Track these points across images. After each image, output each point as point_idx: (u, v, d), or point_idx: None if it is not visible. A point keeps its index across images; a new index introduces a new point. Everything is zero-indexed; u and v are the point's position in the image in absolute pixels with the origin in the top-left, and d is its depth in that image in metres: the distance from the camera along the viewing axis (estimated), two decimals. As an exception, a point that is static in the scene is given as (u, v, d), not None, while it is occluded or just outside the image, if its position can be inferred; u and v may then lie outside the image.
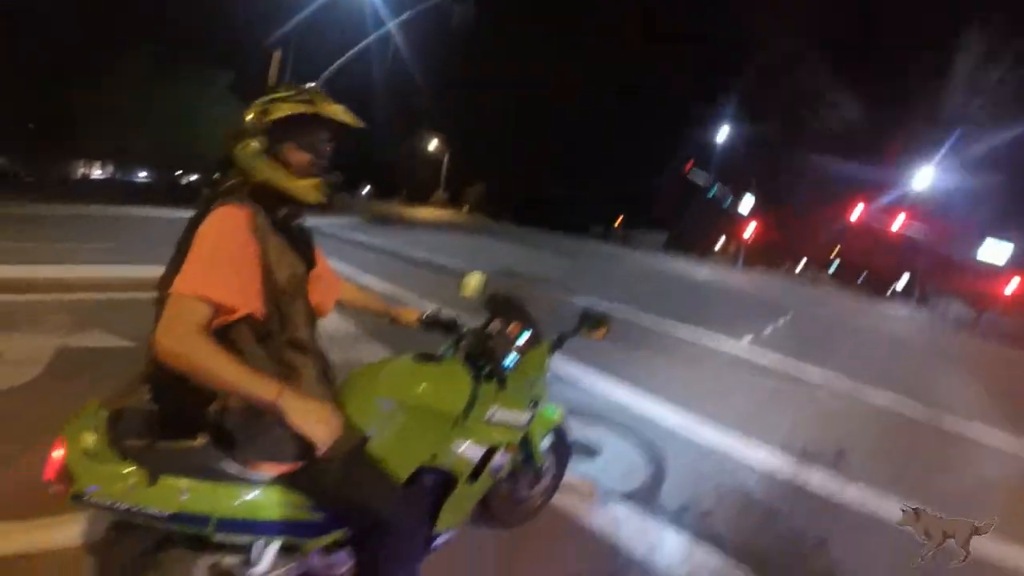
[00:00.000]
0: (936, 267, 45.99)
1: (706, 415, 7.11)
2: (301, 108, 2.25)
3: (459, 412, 2.97)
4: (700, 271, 37.42)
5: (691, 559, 4.15)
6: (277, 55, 14.01)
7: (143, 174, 46.02)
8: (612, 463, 5.41)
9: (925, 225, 41.88)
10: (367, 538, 2.52)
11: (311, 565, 2.68)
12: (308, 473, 2.35)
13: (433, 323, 3.34)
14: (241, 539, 2.44)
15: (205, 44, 34.23)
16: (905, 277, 59.82)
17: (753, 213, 55.85)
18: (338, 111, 2.30)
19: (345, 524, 2.61)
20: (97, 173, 45.77)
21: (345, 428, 2.35)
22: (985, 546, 4.86)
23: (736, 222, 56.36)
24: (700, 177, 51.80)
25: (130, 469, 2.19)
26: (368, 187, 64.55)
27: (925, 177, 39.76)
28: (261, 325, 2.24)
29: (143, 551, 2.40)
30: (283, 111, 2.24)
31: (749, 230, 55.44)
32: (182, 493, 2.25)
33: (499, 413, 3.17)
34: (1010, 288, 34.62)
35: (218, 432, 2.34)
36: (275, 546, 2.52)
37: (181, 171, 42.73)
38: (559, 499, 4.41)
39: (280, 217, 2.34)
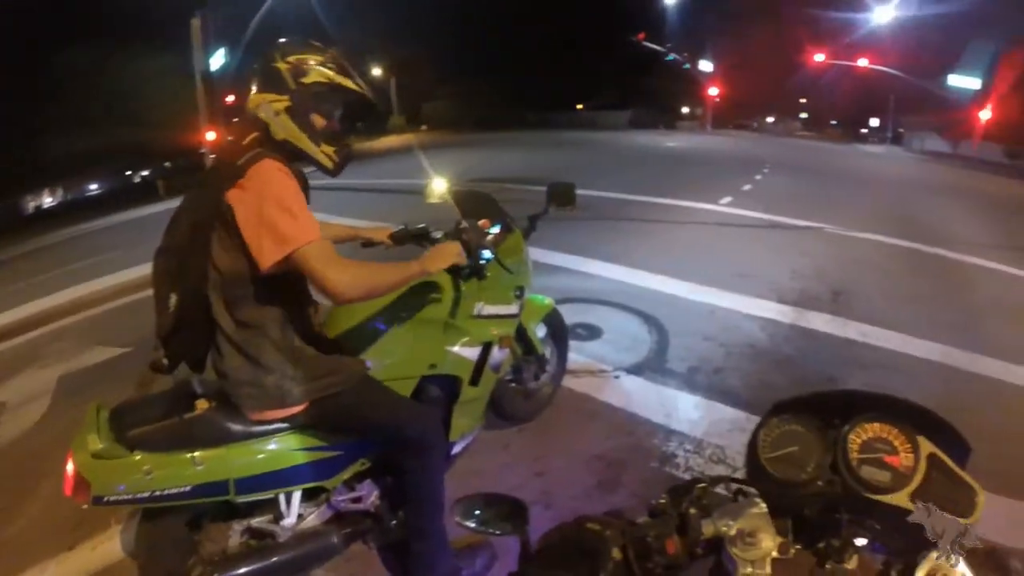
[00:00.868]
0: (908, 102, 45.53)
1: (700, 278, 7.20)
2: (334, 77, 2.25)
3: (447, 314, 2.99)
4: (669, 141, 37.05)
5: (708, 416, 4.27)
6: (195, 22, 13.41)
7: (94, 186, 44.76)
8: (617, 340, 5.50)
9: (892, 60, 41.28)
10: (394, 459, 2.58)
11: (337, 503, 2.72)
12: (320, 409, 2.38)
13: (404, 237, 3.29)
14: (264, 495, 2.46)
15: (124, 29, 32.67)
16: (876, 117, 59.36)
17: (715, 74, 54.96)
18: (363, 86, 2.32)
19: (363, 454, 2.66)
20: (48, 201, 44.43)
21: (348, 358, 2.44)
22: (991, 366, 5.04)
23: (699, 84, 55.49)
24: (655, 46, 50.63)
25: (140, 457, 2.21)
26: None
27: (886, 11, 38.93)
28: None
29: (179, 535, 2.45)
30: (316, 76, 2.22)
31: (714, 91, 54.73)
32: (196, 464, 2.26)
33: (486, 307, 3.18)
34: (984, 115, 34.16)
35: (224, 387, 2.36)
36: (298, 494, 2.56)
37: (130, 171, 41.65)
38: (573, 383, 4.52)
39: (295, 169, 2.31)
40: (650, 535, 1.10)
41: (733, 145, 34.79)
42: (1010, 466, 3.35)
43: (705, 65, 53.97)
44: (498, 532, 1.25)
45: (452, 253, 2.52)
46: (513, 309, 3.37)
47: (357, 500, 2.75)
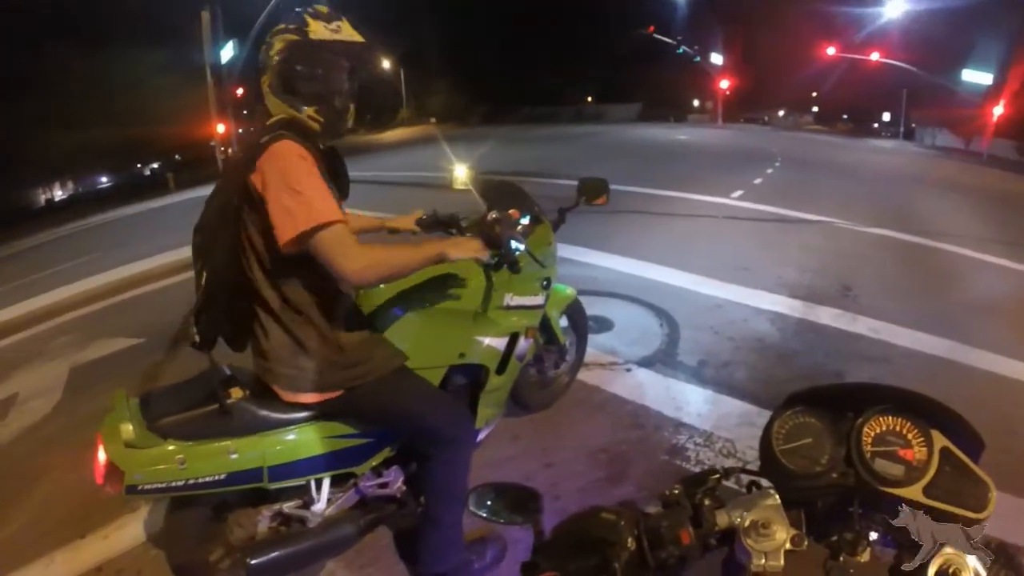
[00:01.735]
0: (920, 96, 45.12)
1: (709, 272, 7.20)
2: (291, 37, 2.18)
3: (477, 306, 3.01)
4: (679, 134, 36.90)
5: (717, 409, 4.29)
6: (205, 15, 13.41)
7: (104, 179, 44.81)
8: (627, 333, 5.53)
9: (904, 55, 40.92)
10: (421, 447, 2.61)
11: (365, 488, 2.74)
12: (354, 397, 2.39)
13: (432, 223, 3.28)
14: (295, 481, 2.48)
15: (134, 26, 32.63)
16: (888, 111, 58.91)
17: (725, 67, 54.61)
18: (323, 31, 2.19)
19: (391, 441, 2.70)
20: (59, 194, 44.56)
21: (384, 345, 2.45)
22: (999, 363, 5.02)
23: (709, 77, 55.14)
24: (664, 38, 50.29)
25: (173, 446, 2.22)
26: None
27: (898, 5, 38.59)
28: None
29: (206, 522, 2.48)
30: (279, 44, 2.18)
31: (724, 83, 54.40)
32: (230, 453, 2.29)
33: (515, 299, 3.19)
34: (997, 111, 33.66)
35: (261, 368, 2.38)
36: (328, 480, 2.59)
37: (140, 163, 41.68)
38: (583, 375, 4.53)
39: (324, 147, 2.32)
40: (664, 525, 1.10)
41: (744, 139, 34.61)
42: (1018, 463, 3.35)
43: (716, 58, 53.59)
44: (511, 521, 1.26)
45: (474, 247, 2.49)
46: (540, 300, 3.40)
47: (384, 486, 2.78)
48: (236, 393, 2.34)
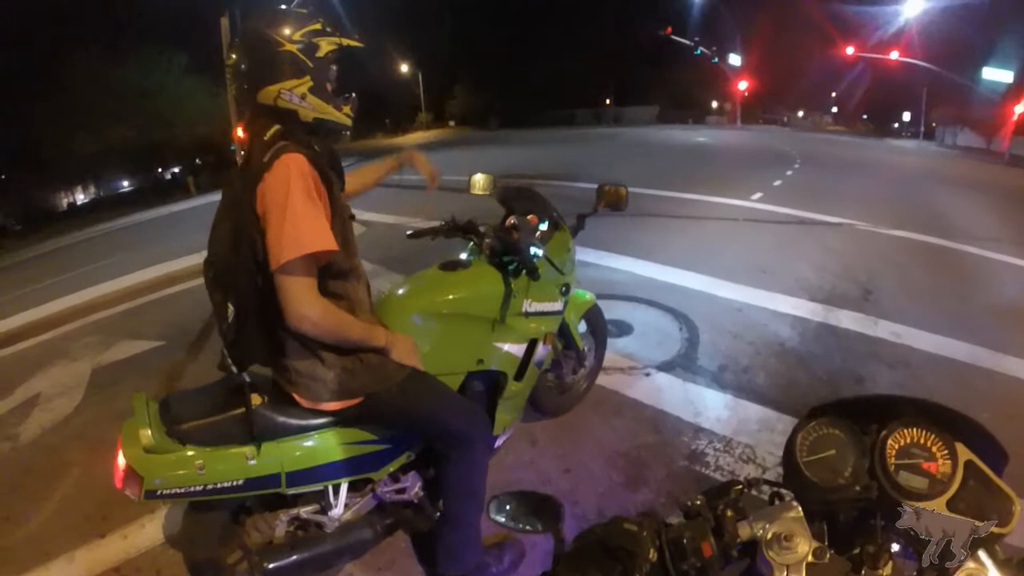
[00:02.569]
0: (940, 96, 44.67)
1: (729, 275, 7.17)
2: (338, 40, 2.21)
3: (496, 312, 2.98)
4: (698, 136, 36.84)
5: (736, 415, 4.26)
6: (224, 21, 13.43)
7: (125, 183, 45.17)
8: (646, 336, 5.50)
9: (923, 54, 40.55)
10: (439, 452, 2.61)
11: (382, 494, 2.75)
12: (373, 403, 2.39)
13: (451, 229, 3.30)
14: (313, 487, 2.49)
15: (153, 28, 32.90)
16: (908, 110, 58.48)
17: (743, 68, 54.39)
18: (353, 38, 2.26)
19: (409, 447, 2.70)
20: (81, 197, 45.05)
21: (380, 370, 2.41)
22: (1020, 367, 4.96)
23: (727, 78, 54.94)
24: (683, 39, 50.16)
25: (192, 452, 2.23)
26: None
27: (916, 3, 38.25)
28: (337, 261, 2.25)
29: (224, 525, 2.49)
30: (327, 47, 2.18)
31: (743, 85, 54.19)
32: (248, 459, 2.30)
33: (534, 305, 3.17)
34: (1019, 109, 33.16)
35: (279, 379, 2.39)
36: (345, 485, 2.59)
37: (160, 168, 42.06)
38: (602, 379, 4.52)
39: (323, 150, 2.29)
40: (686, 536, 1.10)
41: (763, 140, 34.46)
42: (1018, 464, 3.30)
43: (734, 59, 53.39)
44: (532, 529, 1.26)
45: (409, 352, 2.46)
46: (558, 306, 3.37)
47: (401, 491, 2.79)
48: (255, 399, 2.34)
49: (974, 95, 37.87)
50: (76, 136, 31.11)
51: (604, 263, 7.64)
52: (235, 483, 2.29)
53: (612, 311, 5.77)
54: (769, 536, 1.08)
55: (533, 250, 2.88)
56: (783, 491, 1.23)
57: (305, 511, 2.58)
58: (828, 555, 1.07)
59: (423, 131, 56.46)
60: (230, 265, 2.13)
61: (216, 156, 35.48)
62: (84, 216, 28.12)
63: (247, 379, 2.38)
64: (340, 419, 2.44)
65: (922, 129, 50.57)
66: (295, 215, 2.00)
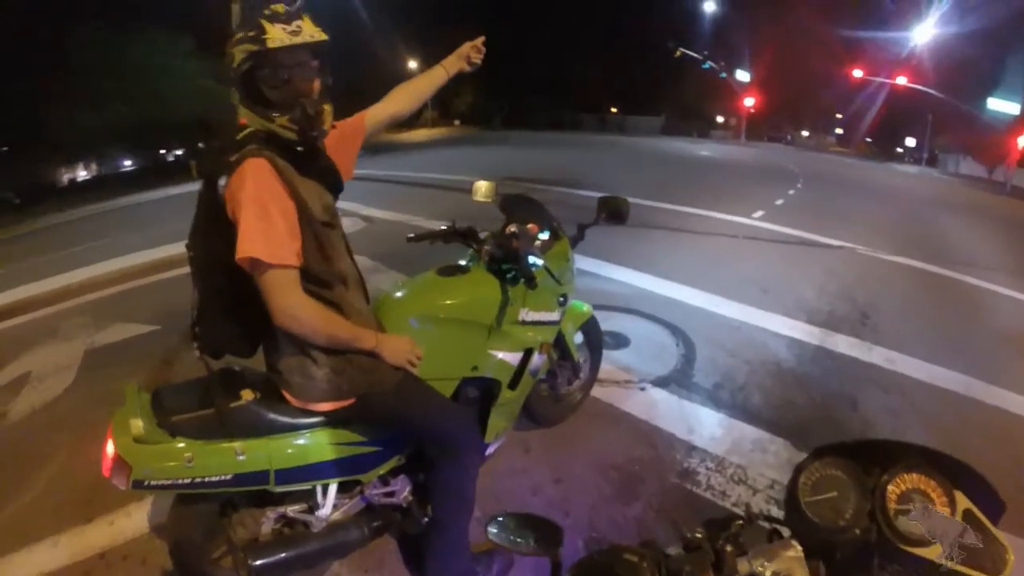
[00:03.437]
0: (944, 122, 44.89)
1: (728, 292, 7.17)
2: (250, 47, 2.01)
3: (493, 319, 2.98)
4: (703, 150, 36.94)
5: (730, 434, 4.25)
6: (235, 6, 13.36)
7: (128, 162, 44.94)
8: (643, 350, 5.49)
9: (930, 80, 40.75)
10: (429, 456, 2.60)
11: (371, 496, 2.75)
12: (364, 405, 2.39)
13: (451, 234, 3.30)
14: (301, 486, 2.50)
15: (159, 9, 32.79)
16: (912, 136, 58.74)
17: (751, 85, 54.56)
18: (282, 35, 2.00)
19: (400, 450, 2.70)
20: (82, 174, 44.83)
21: (373, 370, 2.40)
22: (1015, 401, 4.98)
23: (734, 93, 55.09)
24: (692, 53, 50.25)
25: (182, 444, 2.23)
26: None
27: (926, 30, 38.43)
28: (312, 269, 2.21)
29: (210, 519, 2.50)
30: (239, 55, 2.04)
31: (749, 101, 54.33)
32: (238, 454, 2.30)
33: (530, 314, 3.16)
34: (1022, 141, 33.35)
35: (272, 376, 2.38)
36: (334, 486, 2.59)
37: (164, 149, 41.97)
38: (598, 391, 4.51)
39: (299, 153, 2.21)
40: (685, 570, 1.10)
41: (767, 157, 34.56)
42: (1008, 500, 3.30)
43: (742, 75, 53.59)
44: (531, 552, 1.25)
45: (405, 352, 2.42)
46: (555, 316, 3.37)
47: (390, 494, 2.78)
48: (247, 395, 2.35)
49: (979, 124, 38.04)
50: (80, 113, 31.04)
51: (603, 273, 7.64)
52: (223, 478, 2.29)
53: (610, 322, 5.76)
54: (768, 574, 1.08)
55: (532, 259, 2.88)
56: (782, 528, 1.23)
57: (292, 510, 2.57)
58: None
59: (428, 128, 56.46)
60: (199, 251, 2.18)
61: (220, 141, 35.30)
62: (84, 193, 28.03)
63: (239, 373, 2.42)
64: (331, 420, 2.43)
65: (925, 155, 50.76)
66: (247, 222, 2.01)
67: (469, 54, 2.85)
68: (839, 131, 74.87)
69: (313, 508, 2.59)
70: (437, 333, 2.78)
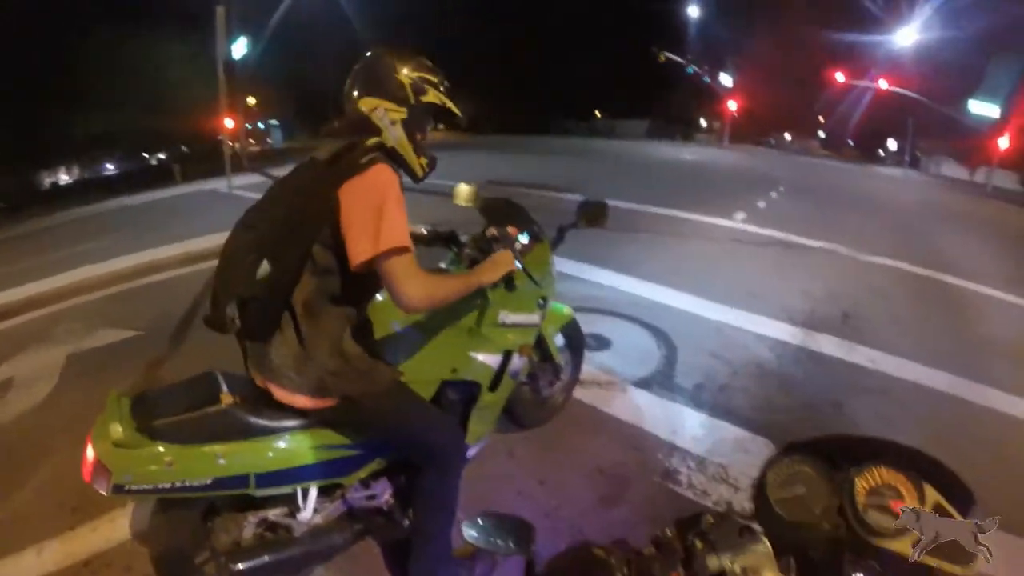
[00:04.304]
0: (926, 125, 45.28)
1: (710, 294, 7.21)
2: (446, 101, 2.45)
3: (472, 321, 3.01)
4: (686, 153, 36.91)
5: (712, 434, 4.28)
6: (220, 10, 13.40)
7: (110, 167, 44.65)
8: (625, 352, 5.52)
9: (912, 83, 41.06)
10: (413, 463, 2.63)
11: (352, 500, 2.76)
12: (350, 407, 2.39)
13: (432, 238, 3.33)
14: (282, 490, 2.50)
15: (151, 13, 32.79)
16: (894, 139, 59.26)
17: (735, 88, 54.72)
18: (458, 107, 2.49)
19: (381, 454, 2.70)
20: (64, 178, 44.37)
21: (384, 362, 2.45)
22: (995, 398, 5.06)
23: (718, 98, 55.24)
24: (676, 57, 50.40)
25: (162, 448, 2.23)
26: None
27: (909, 34, 38.74)
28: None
29: (192, 525, 2.49)
30: (434, 98, 2.41)
31: (732, 105, 54.50)
32: (218, 458, 2.30)
33: (511, 316, 3.18)
34: (1003, 143, 33.82)
35: (264, 368, 2.38)
36: (315, 489, 2.60)
37: (147, 153, 41.77)
38: (580, 393, 4.54)
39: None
40: (655, 567, 1.11)
41: (749, 161, 34.62)
42: (1012, 503, 3.35)
43: (725, 79, 53.71)
44: (506, 551, 1.26)
45: (506, 263, 2.67)
46: (535, 319, 3.39)
47: (371, 498, 2.79)
48: (227, 399, 2.38)
49: (960, 127, 38.41)
50: (61, 116, 30.90)
51: (585, 276, 7.66)
52: (204, 482, 2.28)
53: (592, 325, 5.78)
54: (738, 570, 1.09)
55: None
56: (752, 524, 1.25)
57: (274, 514, 2.58)
58: None
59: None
60: (281, 238, 2.20)
61: (203, 145, 35.10)
62: (69, 197, 27.76)
63: (219, 377, 2.43)
64: (313, 421, 2.44)
65: (907, 158, 51.14)
66: (392, 215, 2.15)
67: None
68: (822, 135, 75.30)
69: (294, 512, 2.59)
70: (419, 336, 2.82)
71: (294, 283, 2.24)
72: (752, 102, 56.86)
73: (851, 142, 71.29)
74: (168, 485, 2.23)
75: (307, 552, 2.59)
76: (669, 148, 41.24)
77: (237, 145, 24.06)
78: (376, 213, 2.13)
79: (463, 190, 3.56)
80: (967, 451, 4.07)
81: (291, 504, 2.59)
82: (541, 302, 3.41)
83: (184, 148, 40.14)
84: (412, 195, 2.31)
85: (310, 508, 2.60)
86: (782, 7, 55.85)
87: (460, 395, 3.08)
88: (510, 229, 3.23)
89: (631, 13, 66.26)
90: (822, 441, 1.35)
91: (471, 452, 3.16)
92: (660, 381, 5.01)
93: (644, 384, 4.94)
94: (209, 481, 2.29)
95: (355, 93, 2.37)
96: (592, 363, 4.99)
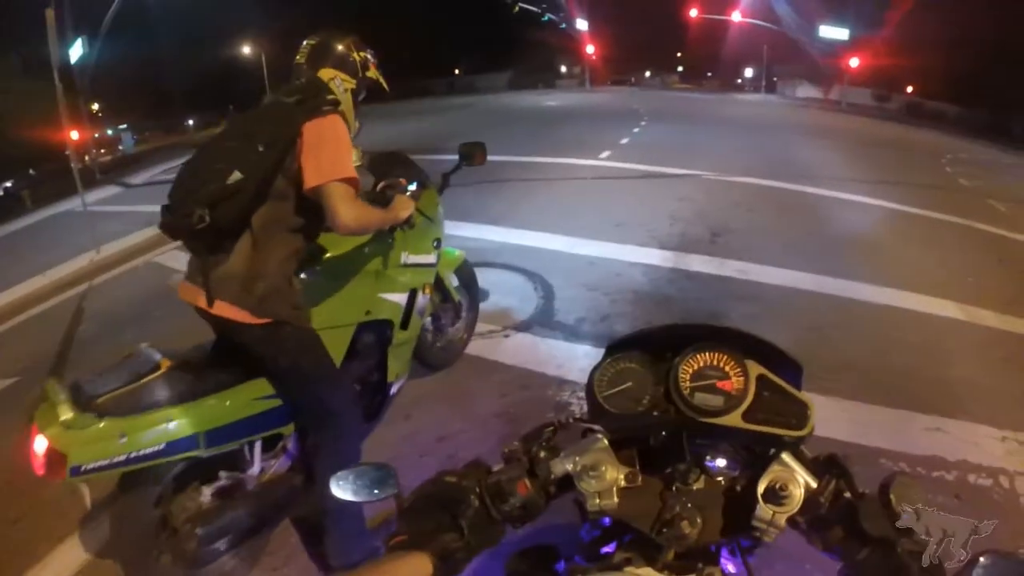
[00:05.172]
0: (780, 52, 47.19)
1: (580, 233, 7.36)
2: (379, 77, 3.02)
3: (379, 265, 3.27)
4: (549, 100, 37.14)
5: (595, 362, 4.36)
6: (49, 13, 12.47)
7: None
8: (503, 300, 5.59)
9: (764, 12, 42.78)
10: (312, 441, 2.73)
11: (293, 452, 2.90)
12: (275, 330, 2.48)
13: None
14: (230, 446, 2.58)
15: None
16: (751, 68, 61.38)
17: (592, 32, 55.36)
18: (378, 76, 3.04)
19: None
20: None
21: (297, 307, 2.56)
22: (853, 288, 5.38)
23: (576, 43, 55.81)
24: (530, 7, 50.54)
25: (112, 423, 2.24)
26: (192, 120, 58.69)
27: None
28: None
29: (148, 513, 2.48)
30: (373, 74, 2.97)
31: (591, 48, 55.15)
32: (168, 422, 2.35)
33: (411, 257, 3.47)
34: (854, 62, 36.19)
35: (212, 280, 2.43)
36: (259, 443, 2.74)
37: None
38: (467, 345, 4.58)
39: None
40: (503, 480, 1.13)
41: (612, 101, 35.20)
42: (889, 377, 3.60)
43: (581, 24, 54.27)
44: (373, 498, 1.26)
45: (408, 205, 3.00)
46: (432, 259, 3.70)
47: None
48: (165, 364, 2.47)
49: (812, 51, 40.55)
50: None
51: (459, 233, 7.57)
52: (157, 448, 2.33)
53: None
54: (579, 468, 1.12)
55: None
56: (594, 426, 1.28)
57: (225, 476, 2.65)
58: (640, 478, 1.13)
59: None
60: (254, 150, 2.40)
61: (51, 164, 32.65)
62: None
63: (149, 351, 2.54)
64: (244, 340, 2.52)
65: (764, 83, 53.11)
66: (342, 152, 2.49)
67: None
68: (680, 69, 77.31)
69: (244, 468, 2.71)
70: (326, 283, 2.99)
71: (258, 196, 2.41)
72: (610, 44, 57.78)
73: (709, 73, 73.42)
74: (123, 458, 2.26)
75: (263, 504, 2.69)
76: (532, 97, 41.45)
77: (87, 158, 22.69)
78: (331, 148, 2.45)
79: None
80: (836, 337, 4.38)
81: (240, 462, 2.71)
82: (436, 243, 3.73)
83: (31, 171, 37.33)
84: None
85: (257, 462, 2.74)
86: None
87: (375, 337, 3.31)
88: (400, 180, 3.46)
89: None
90: (641, 335, 1.39)
91: (393, 389, 3.46)
92: (541, 321, 5.10)
93: (526, 327, 5.02)
94: (163, 446, 2.34)
95: (315, 63, 2.80)
96: (473, 314, 5.03)
